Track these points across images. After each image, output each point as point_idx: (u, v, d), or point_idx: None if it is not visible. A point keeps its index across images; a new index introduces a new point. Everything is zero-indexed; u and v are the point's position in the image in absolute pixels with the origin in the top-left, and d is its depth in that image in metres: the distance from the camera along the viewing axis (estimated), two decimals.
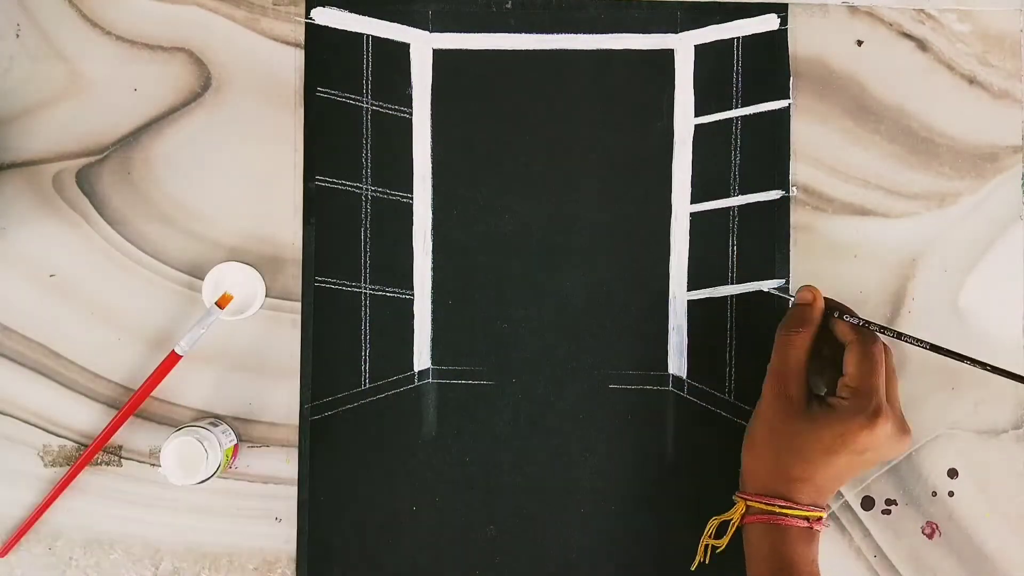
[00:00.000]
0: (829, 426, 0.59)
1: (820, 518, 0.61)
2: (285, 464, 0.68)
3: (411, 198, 0.69)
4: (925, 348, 0.62)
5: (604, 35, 0.69)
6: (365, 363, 0.68)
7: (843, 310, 0.63)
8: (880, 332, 0.62)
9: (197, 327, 0.66)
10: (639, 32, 0.69)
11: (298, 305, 0.68)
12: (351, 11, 0.69)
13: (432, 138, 0.69)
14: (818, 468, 0.60)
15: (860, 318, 0.63)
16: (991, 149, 0.69)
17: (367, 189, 0.69)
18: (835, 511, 0.68)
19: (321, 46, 0.69)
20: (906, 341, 0.63)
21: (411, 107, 0.69)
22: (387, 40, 0.69)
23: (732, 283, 0.69)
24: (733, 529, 0.62)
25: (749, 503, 0.61)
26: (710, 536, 0.64)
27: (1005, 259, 0.69)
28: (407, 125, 0.69)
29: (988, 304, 0.69)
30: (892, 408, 0.60)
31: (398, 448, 0.68)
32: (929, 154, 0.69)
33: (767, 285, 0.67)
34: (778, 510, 0.60)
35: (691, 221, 0.69)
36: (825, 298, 0.64)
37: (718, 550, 0.63)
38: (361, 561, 0.67)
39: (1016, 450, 0.69)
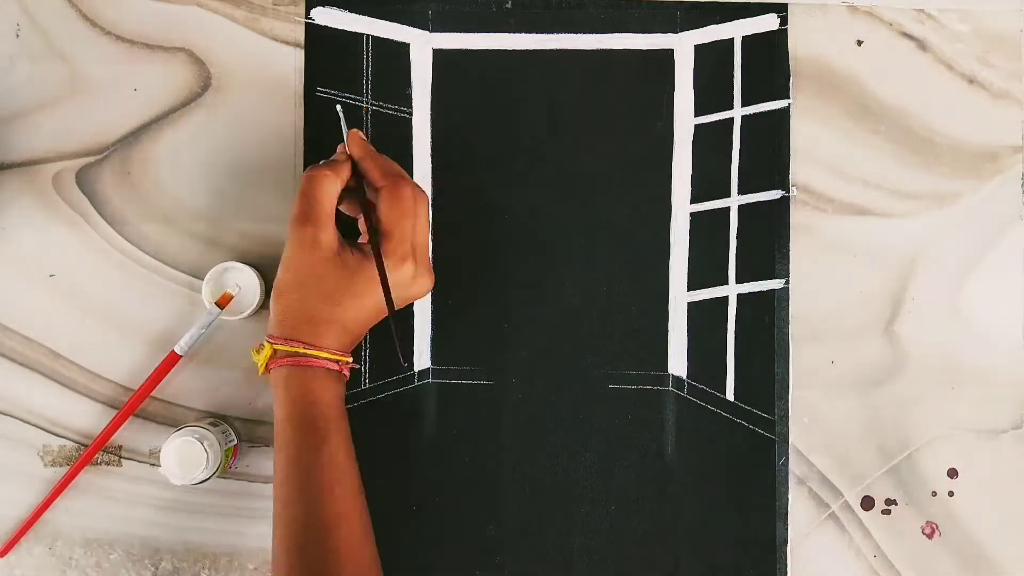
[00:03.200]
0: (360, 270, 0.59)
1: (348, 361, 0.60)
2: None
3: None
4: None
5: (604, 35, 0.69)
6: (365, 363, 0.68)
7: (369, 165, 0.62)
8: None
9: (197, 327, 0.66)
10: (639, 32, 0.69)
11: None
12: (351, 11, 0.69)
13: (432, 138, 0.69)
14: (347, 311, 0.59)
15: (363, 188, 0.61)
16: (991, 149, 0.69)
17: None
18: (835, 511, 0.68)
19: (321, 46, 0.69)
20: None
21: (411, 107, 0.69)
22: (387, 40, 0.69)
23: (732, 283, 0.69)
24: (262, 369, 0.60)
25: (276, 346, 0.59)
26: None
27: (1005, 259, 0.69)
28: (407, 125, 0.69)
29: (988, 304, 0.69)
30: (418, 251, 0.60)
31: (398, 448, 0.68)
32: (929, 154, 0.69)
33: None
34: (303, 351, 0.59)
35: (691, 221, 0.69)
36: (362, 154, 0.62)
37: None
38: None
39: (1016, 450, 0.69)
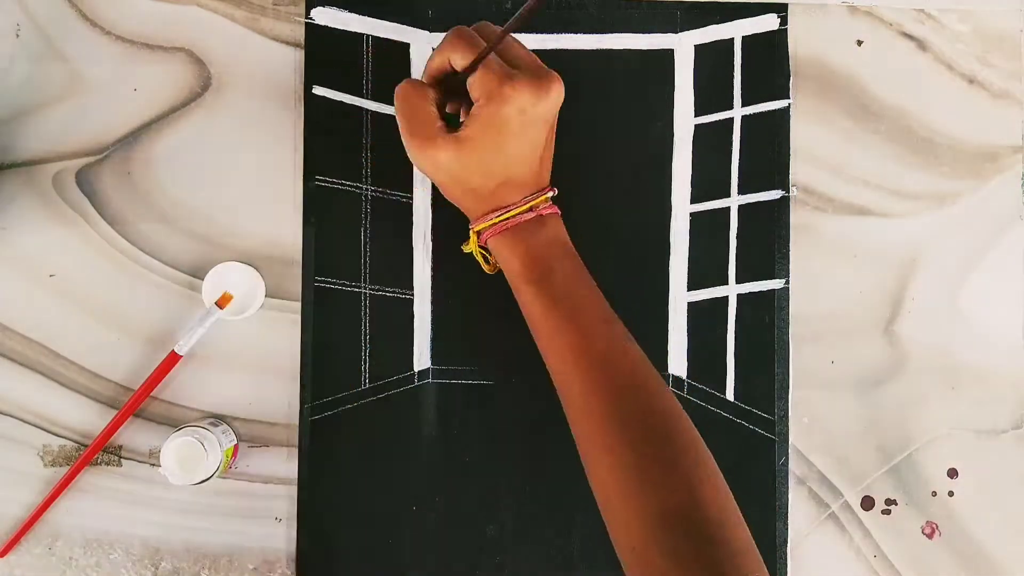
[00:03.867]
0: (483, 132, 0.57)
1: (542, 203, 0.61)
2: (285, 464, 0.68)
3: (411, 198, 0.69)
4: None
5: (604, 35, 0.69)
6: (365, 363, 0.68)
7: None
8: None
9: (197, 327, 0.66)
10: (639, 32, 0.69)
11: (298, 305, 0.68)
12: (351, 11, 0.69)
13: None
14: (504, 167, 0.59)
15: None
16: (991, 149, 0.69)
17: (367, 189, 0.69)
18: (835, 511, 0.68)
19: (321, 46, 0.69)
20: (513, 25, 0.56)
21: None
22: (387, 40, 0.69)
23: (732, 283, 0.69)
24: (479, 255, 0.62)
25: (475, 229, 0.61)
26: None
27: (1005, 259, 0.69)
28: None
29: (988, 304, 0.69)
30: (518, 74, 0.58)
31: (398, 448, 0.68)
32: (929, 154, 0.69)
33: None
34: (496, 219, 0.60)
35: (691, 221, 0.69)
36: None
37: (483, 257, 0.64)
38: (361, 561, 0.67)
39: (1016, 450, 0.69)
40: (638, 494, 0.55)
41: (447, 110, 0.62)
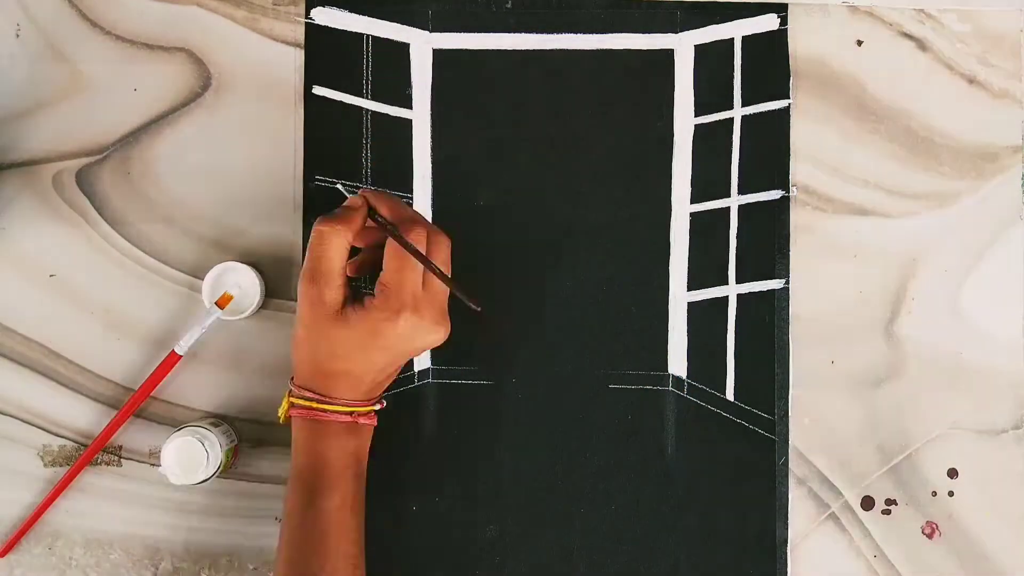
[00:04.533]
0: (360, 324, 0.58)
1: (367, 412, 0.61)
2: (285, 464, 0.68)
3: (411, 198, 0.69)
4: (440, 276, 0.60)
5: (604, 35, 0.69)
6: None
7: (385, 220, 0.60)
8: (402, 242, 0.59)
9: (197, 327, 0.66)
10: (639, 32, 0.69)
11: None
12: (351, 11, 0.69)
13: (432, 138, 0.69)
14: (355, 364, 0.59)
15: (389, 223, 0.60)
16: (991, 149, 0.69)
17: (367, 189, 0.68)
18: (835, 511, 0.68)
19: (321, 46, 0.69)
20: (429, 268, 0.60)
21: (411, 107, 0.69)
22: (387, 40, 0.69)
23: (732, 283, 0.69)
24: (284, 417, 0.61)
25: (292, 399, 0.61)
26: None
27: (1005, 259, 0.69)
28: (407, 125, 0.69)
29: (988, 304, 0.69)
30: (428, 300, 0.59)
31: (398, 448, 0.68)
32: (929, 154, 0.69)
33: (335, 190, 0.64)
34: (315, 405, 0.60)
35: (691, 221, 0.69)
36: (372, 209, 0.61)
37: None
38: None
39: (1016, 450, 0.69)
40: None
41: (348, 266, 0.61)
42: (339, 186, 0.64)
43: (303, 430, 0.60)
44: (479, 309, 0.61)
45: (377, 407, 0.62)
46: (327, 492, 0.59)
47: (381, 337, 0.59)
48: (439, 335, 0.60)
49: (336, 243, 0.59)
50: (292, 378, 0.61)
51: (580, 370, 0.68)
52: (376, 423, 0.62)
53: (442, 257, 0.61)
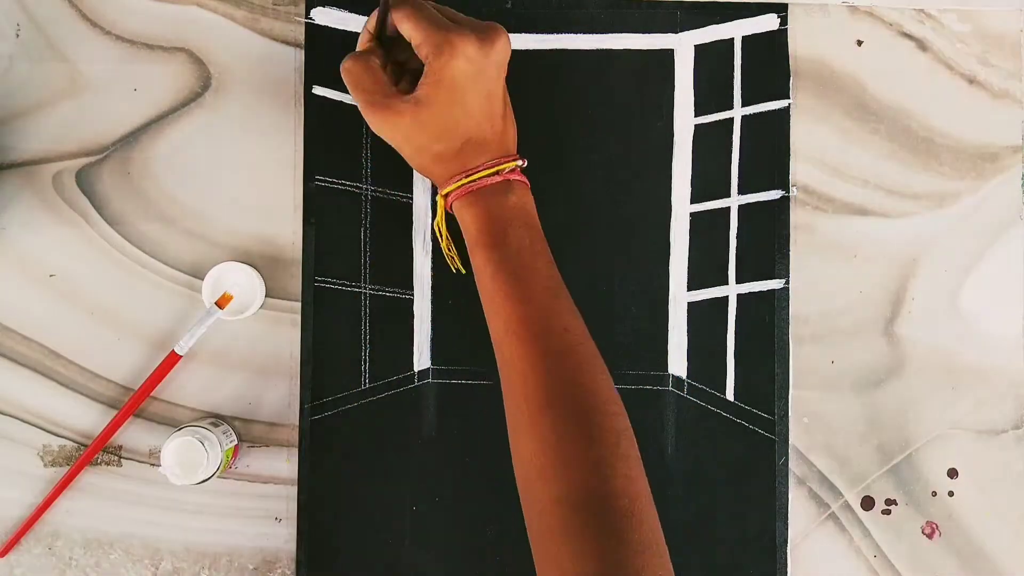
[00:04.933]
0: (436, 90, 0.58)
1: (512, 167, 0.60)
2: (285, 464, 0.68)
3: (411, 198, 0.69)
4: None
5: (604, 35, 0.69)
6: (365, 363, 0.68)
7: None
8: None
9: (197, 327, 0.66)
10: (639, 32, 0.69)
11: (298, 305, 0.68)
12: (351, 11, 0.69)
13: None
14: (462, 127, 0.59)
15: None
16: (991, 149, 0.69)
17: (367, 189, 0.69)
18: (835, 511, 0.68)
19: (321, 46, 0.69)
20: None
21: None
22: None
23: (732, 283, 0.69)
24: (442, 220, 0.62)
25: (442, 192, 0.61)
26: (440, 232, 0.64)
27: (1005, 259, 0.69)
28: None
29: (988, 304, 0.69)
30: (459, 22, 0.59)
31: (398, 448, 0.68)
32: (929, 154, 0.69)
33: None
34: (464, 181, 0.60)
35: (691, 221, 0.69)
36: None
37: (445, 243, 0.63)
38: (361, 561, 0.67)
39: (1016, 450, 0.69)
40: (551, 478, 0.54)
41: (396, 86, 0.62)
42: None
43: (464, 209, 0.60)
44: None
45: (519, 162, 0.61)
46: (503, 243, 0.58)
47: (459, 80, 0.58)
48: (499, 39, 0.59)
49: (365, 65, 0.59)
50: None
51: None
52: (528, 183, 0.61)
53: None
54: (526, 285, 0.58)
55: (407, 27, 0.59)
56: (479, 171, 0.60)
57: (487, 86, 0.59)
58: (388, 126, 0.59)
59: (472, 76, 0.58)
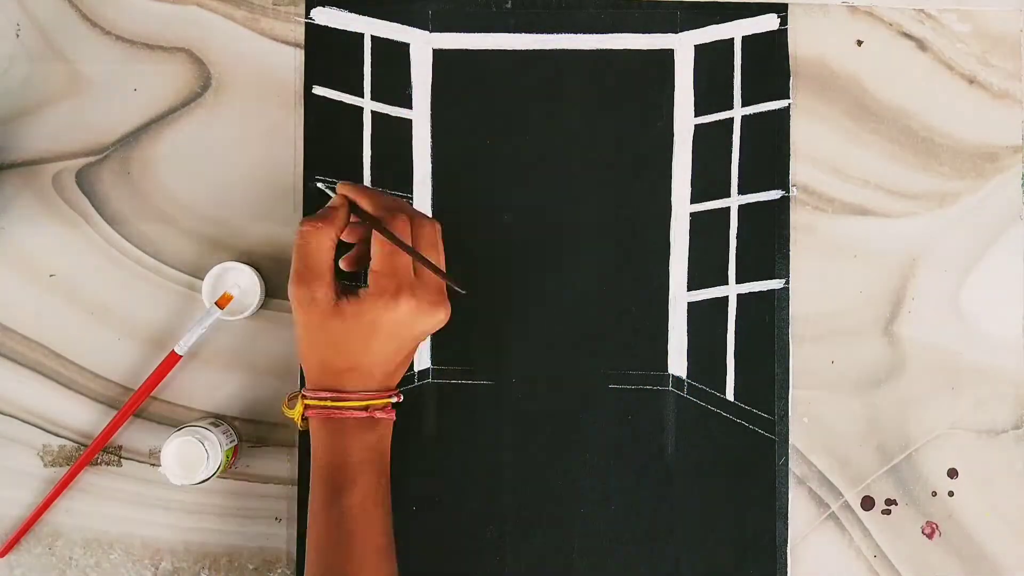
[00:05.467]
0: (359, 316, 0.58)
1: (383, 405, 0.60)
2: (285, 464, 0.68)
3: (411, 198, 0.69)
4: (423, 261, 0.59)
5: (604, 35, 0.69)
6: None
7: (367, 214, 0.60)
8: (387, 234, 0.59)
9: (197, 327, 0.66)
10: (639, 32, 0.69)
11: None
12: (351, 11, 0.69)
13: (432, 138, 0.69)
14: (361, 356, 0.59)
15: (371, 216, 0.60)
16: (991, 149, 0.69)
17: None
18: (835, 511, 0.68)
19: (321, 46, 0.69)
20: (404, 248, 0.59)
21: (411, 107, 0.69)
22: (387, 40, 0.69)
23: (732, 283, 0.69)
24: (301, 424, 0.61)
25: (306, 401, 0.60)
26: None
27: (1005, 259, 0.69)
28: (407, 125, 0.69)
29: (988, 304, 0.69)
30: (422, 283, 0.59)
31: (398, 448, 0.68)
32: (929, 154, 0.69)
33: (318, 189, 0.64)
34: (330, 403, 0.59)
35: (691, 221, 0.69)
36: (354, 204, 0.61)
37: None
38: None
39: (1016, 450, 0.69)
40: None
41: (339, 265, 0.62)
42: (319, 184, 0.64)
43: (321, 430, 0.60)
44: (464, 292, 0.60)
45: (393, 400, 0.61)
46: (349, 488, 0.59)
47: (380, 325, 0.58)
48: (439, 316, 0.60)
49: (320, 242, 0.59)
50: (302, 385, 0.61)
51: (580, 370, 0.68)
52: (395, 417, 0.61)
53: (428, 241, 0.60)
54: (357, 543, 0.58)
55: (378, 251, 0.59)
56: (350, 400, 0.59)
57: (401, 342, 0.60)
58: (298, 303, 0.59)
59: (393, 327, 0.59)
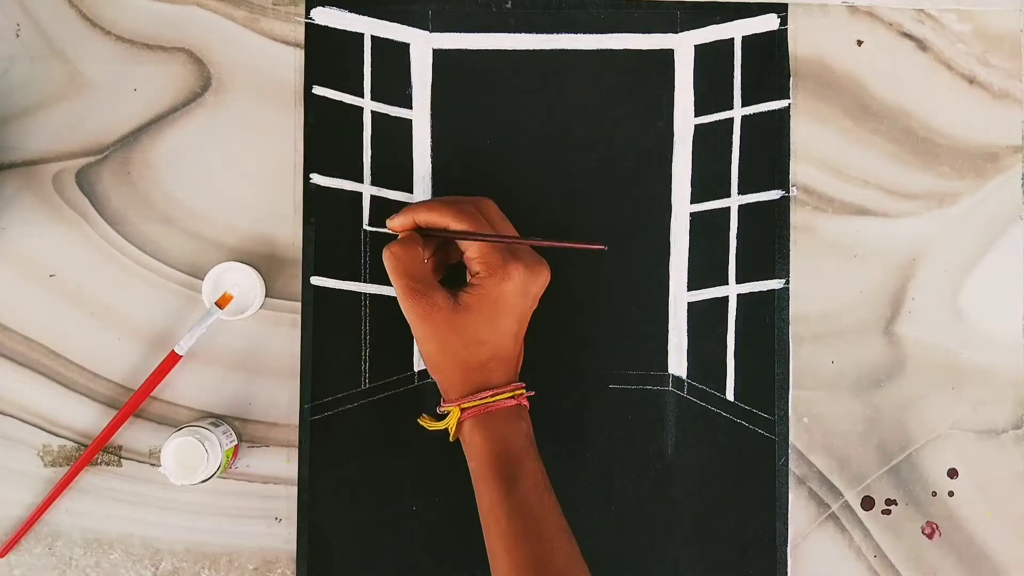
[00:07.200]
0: (481, 300, 0.60)
1: (522, 392, 0.62)
2: (285, 464, 0.68)
3: (412, 199, 0.69)
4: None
5: (604, 35, 0.69)
6: (365, 363, 0.68)
7: (439, 230, 0.62)
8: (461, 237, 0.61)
9: (197, 327, 0.66)
10: (639, 32, 0.69)
11: (298, 305, 0.68)
12: (351, 11, 0.69)
13: (432, 138, 0.69)
14: (496, 340, 0.61)
15: (444, 231, 0.62)
16: (991, 149, 0.69)
17: (367, 189, 0.69)
18: (835, 511, 0.68)
19: (321, 46, 0.69)
20: (471, 238, 0.61)
21: (411, 107, 0.69)
22: (387, 40, 0.69)
23: (732, 283, 0.69)
24: (454, 431, 0.62)
25: (462, 405, 0.61)
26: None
27: (1005, 259, 0.69)
28: (407, 125, 0.69)
29: (988, 304, 0.69)
30: (516, 250, 0.62)
31: (398, 448, 0.68)
32: (929, 154, 0.69)
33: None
34: (489, 399, 0.60)
35: (691, 221, 0.69)
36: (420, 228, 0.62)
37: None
38: (361, 561, 0.67)
39: (1016, 450, 0.69)
40: None
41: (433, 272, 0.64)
42: (368, 229, 0.66)
43: (477, 428, 0.60)
44: (604, 247, 0.62)
45: (524, 387, 0.62)
46: (520, 477, 0.59)
47: (503, 300, 0.60)
48: (545, 274, 0.62)
49: (414, 253, 0.61)
50: (444, 400, 0.61)
51: (580, 370, 0.68)
52: (528, 405, 0.62)
53: (497, 216, 0.63)
54: (543, 528, 0.59)
55: (466, 242, 0.61)
56: (501, 392, 0.61)
57: (522, 312, 0.62)
58: (422, 316, 0.60)
59: (514, 301, 0.61)
